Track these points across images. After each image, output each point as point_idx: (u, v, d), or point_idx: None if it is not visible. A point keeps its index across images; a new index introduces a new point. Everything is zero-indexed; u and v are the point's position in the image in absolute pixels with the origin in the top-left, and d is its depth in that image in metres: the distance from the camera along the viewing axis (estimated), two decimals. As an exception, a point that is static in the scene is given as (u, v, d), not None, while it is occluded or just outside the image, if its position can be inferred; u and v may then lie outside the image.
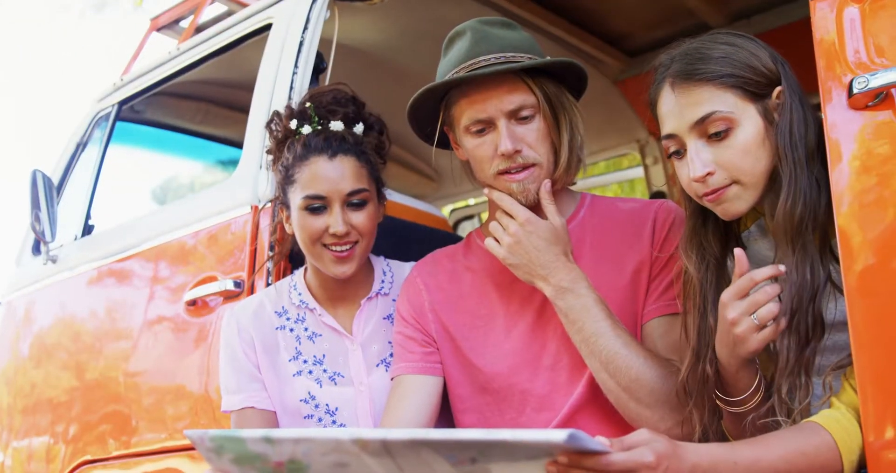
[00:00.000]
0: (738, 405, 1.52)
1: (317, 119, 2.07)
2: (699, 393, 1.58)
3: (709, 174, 1.52)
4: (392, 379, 1.99)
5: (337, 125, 2.06)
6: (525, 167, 1.82)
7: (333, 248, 2.01)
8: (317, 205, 2.00)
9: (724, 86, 1.52)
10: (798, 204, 1.46)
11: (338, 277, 2.04)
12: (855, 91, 1.37)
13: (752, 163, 1.51)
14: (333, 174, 1.99)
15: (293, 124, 2.09)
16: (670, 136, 1.58)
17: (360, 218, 2.01)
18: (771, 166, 1.52)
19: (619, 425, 1.77)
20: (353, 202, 2.01)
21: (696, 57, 1.56)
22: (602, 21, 3.45)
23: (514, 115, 1.81)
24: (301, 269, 2.21)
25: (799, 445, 1.35)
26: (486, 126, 1.83)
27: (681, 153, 1.58)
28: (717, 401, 1.55)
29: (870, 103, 1.39)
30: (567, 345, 1.83)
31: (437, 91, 1.88)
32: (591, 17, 3.39)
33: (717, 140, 1.52)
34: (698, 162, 1.53)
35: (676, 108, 1.56)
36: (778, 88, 1.54)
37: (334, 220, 1.98)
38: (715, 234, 1.66)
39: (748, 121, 1.52)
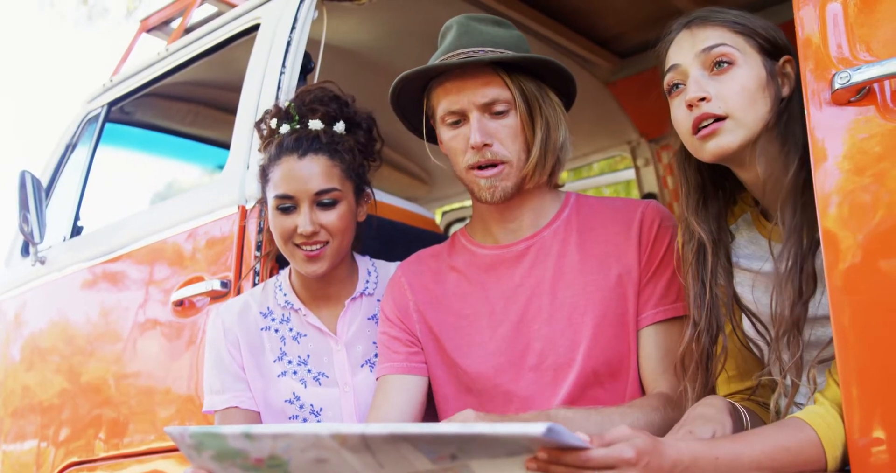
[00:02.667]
0: None
1: (297, 118, 2.07)
2: (695, 367, 1.60)
3: (704, 99, 1.54)
4: (377, 379, 1.98)
5: (315, 124, 2.06)
6: (494, 164, 1.82)
7: (304, 248, 2.00)
8: (287, 205, 2.01)
9: (737, 31, 1.59)
10: (804, 168, 1.48)
11: (310, 276, 2.04)
12: (837, 86, 1.37)
13: (747, 103, 1.54)
14: (302, 173, 1.99)
15: (273, 123, 2.10)
16: (674, 67, 1.62)
17: (329, 217, 2.00)
18: (764, 122, 1.55)
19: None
20: (322, 201, 2.00)
21: (715, 10, 1.63)
22: (592, 22, 3.44)
23: (488, 109, 1.82)
24: (286, 270, 2.20)
25: (781, 440, 1.34)
26: (460, 118, 1.84)
27: (679, 86, 1.61)
28: None
29: (852, 98, 1.38)
30: (552, 346, 1.82)
31: (417, 81, 1.89)
32: (581, 19, 3.39)
33: (718, 72, 1.56)
34: (696, 86, 1.56)
35: (687, 42, 1.61)
36: (786, 56, 1.59)
37: (302, 220, 1.98)
38: (712, 213, 1.69)
39: (751, 66, 1.57)
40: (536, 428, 1.06)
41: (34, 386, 3.17)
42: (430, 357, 1.96)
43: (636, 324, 1.84)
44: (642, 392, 1.83)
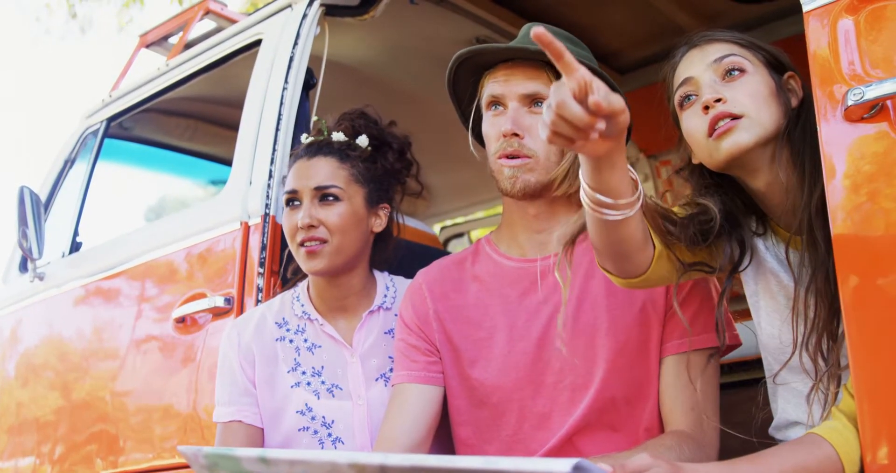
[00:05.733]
0: (616, 209, 1.42)
1: (326, 133, 2.16)
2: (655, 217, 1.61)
3: (720, 101, 1.56)
4: (392, 387, 1.96)
5: (338, 136, 2.14)
6: (521, 155, 1.82)
7: (305, 244, 2.05)
8: (292, 200, 2.10)
9: (743, 45, 1.64)
10: (821, 178, 1.48)
11: (310, 273, 2.10)
12: (850, 103, 1.37)
13: (759, 106, 1.56)
14: (308, 171, 2.09)
15: (303, 138, 2.20)
16: (687, 80, 1.64)
17: (328, 214, 2.06)
18: (777, 125, 1.56)
19: (617, 449, 1.75)
20: (323, 197, 2.07)
21: (717, 30, 1.69)
22: (592, 38, 3.43)
23: (528, 103, 1.83)
24: (305, 281, 2.21)
25: (800, 459, 1.34)
26: (500, 104, 1.86)
27: (692, 98, 1.63)
28: (596, 206, 1.43)
29: (865, 115, 1.38)
30: (570, 366, 1.80)
31: (471, 72, 1.92)
32: (580, 35, 3.31)
33: (730, 79, 1.59)
34: (711, 89, 1.58)
35: (698, 56, 1.65)
36: (789, 72, 1.63)
37: (301, 213, 2.05)
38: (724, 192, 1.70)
39: (761, 75, 1.60)
40: (562, 465, 1.03)
41: (32, 403, 3.15)
42: (447, 367, 1.92)
43: (660, 353, 1.82)
44: (661, 420, 1.81)
